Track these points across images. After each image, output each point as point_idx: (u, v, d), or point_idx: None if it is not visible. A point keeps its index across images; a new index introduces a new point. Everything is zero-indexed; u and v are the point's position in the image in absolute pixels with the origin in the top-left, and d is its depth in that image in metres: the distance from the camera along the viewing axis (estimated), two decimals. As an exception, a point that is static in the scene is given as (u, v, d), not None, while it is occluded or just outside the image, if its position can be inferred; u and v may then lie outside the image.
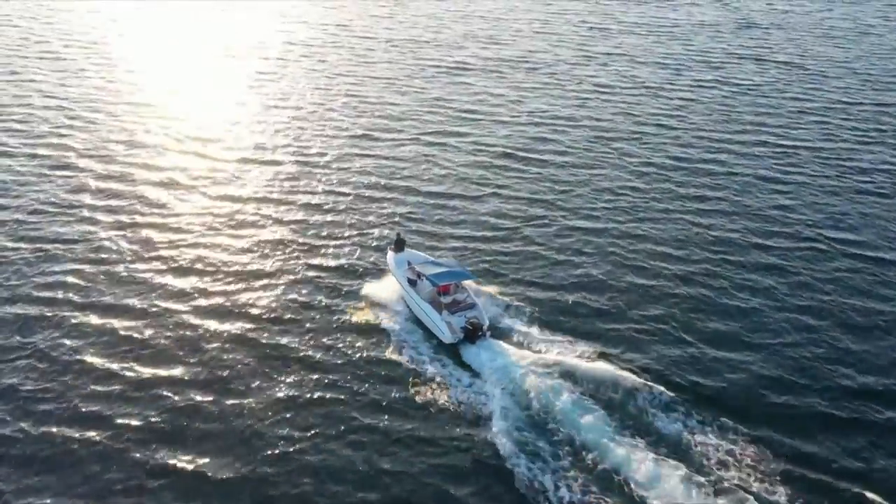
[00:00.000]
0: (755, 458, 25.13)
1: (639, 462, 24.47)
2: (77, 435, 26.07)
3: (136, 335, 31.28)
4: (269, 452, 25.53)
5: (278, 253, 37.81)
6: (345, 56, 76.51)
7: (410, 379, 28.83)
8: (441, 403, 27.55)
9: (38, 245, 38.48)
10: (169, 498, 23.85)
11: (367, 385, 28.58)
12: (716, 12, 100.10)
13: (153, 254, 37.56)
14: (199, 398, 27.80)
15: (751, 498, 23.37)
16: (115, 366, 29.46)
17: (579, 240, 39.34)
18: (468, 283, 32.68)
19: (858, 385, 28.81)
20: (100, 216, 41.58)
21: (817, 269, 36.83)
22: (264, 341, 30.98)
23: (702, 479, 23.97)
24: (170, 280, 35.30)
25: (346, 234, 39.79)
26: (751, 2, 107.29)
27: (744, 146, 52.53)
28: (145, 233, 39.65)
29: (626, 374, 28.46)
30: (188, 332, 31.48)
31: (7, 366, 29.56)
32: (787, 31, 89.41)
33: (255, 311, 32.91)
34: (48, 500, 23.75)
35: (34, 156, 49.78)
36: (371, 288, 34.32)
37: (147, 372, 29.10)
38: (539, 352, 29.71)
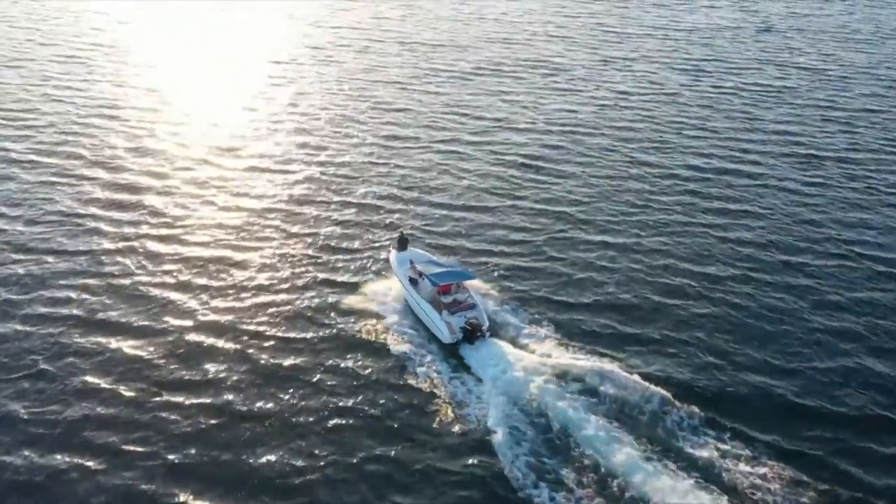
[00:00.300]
0: (761, 471, 24.44)
1: (640, 467, 24.10)
2: (77, 461, 24.98)
3: (140, 354, 30.21)
4: (269, 460, 25.15)
5: (287, 262, 36.77)
6: (356, 59, 75.40)
7: (407, 379, 28.64)
8: (437, 404, 27.36)
9: (41, 257, 37.45)
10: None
11: (362, 386, 28.45)
12: (734, 15, 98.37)
13: (159, 267, 36.50)
14: (204, 422, 26.70)
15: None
16: (118, 387, 28.35)
17: (595, 250, 38.03)
18: (470, 283, 32.50)
19: (889, 411, 27.42)
20: (105, 227, 40.50)
21: (846, 287, 35.36)
22: (268, 355, 29.91)
23: (702, 484, 23.64)
24: (176, 294, 34.20)
25: (356, 245, 38.62)
26: (770, 4, 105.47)
27: (767, 156, 51.00)
28: (151, 245, 38.58)
29: (628, 377, 27.93)
30: (194, 350, 30.38)
31: (7, 385, 28.45)
32: (807, 35, 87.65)
33: (260, 322, 32.01)
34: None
35: (40, 163, 48.84)
36: (374, 287, 34.28)
37: (151, 394, 27.99)
38: (539, 354, 29.36)
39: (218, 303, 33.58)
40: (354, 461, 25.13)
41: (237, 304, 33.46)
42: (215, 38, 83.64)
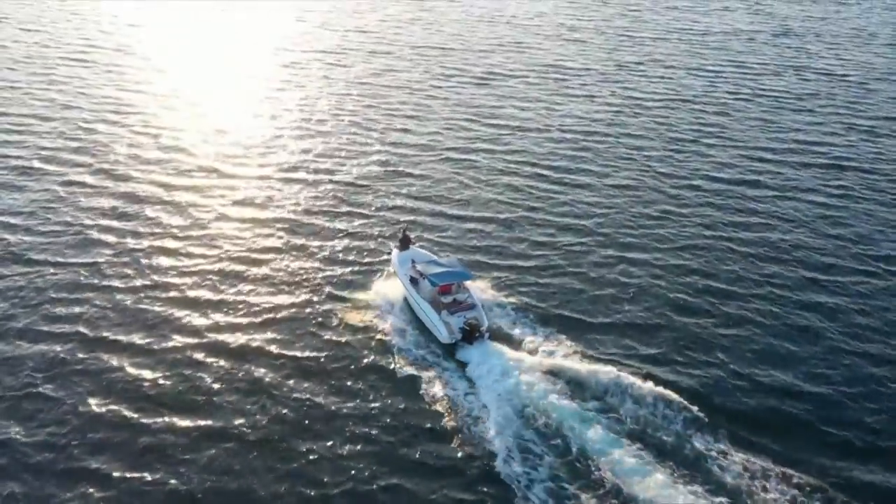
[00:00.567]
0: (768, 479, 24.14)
1: (633, 469, 24.05)
2: (77, 488, 23.97)
3: (143, 373, 29.11)
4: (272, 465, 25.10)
5: (292, 270, 35.82)
6: (366, 63, 74.34)
7: (403, 380, 28.51)
8: (432, 405, 27.26)
9: (43, 269, 36.38)
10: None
11: (359, 384, 28.45)
12: (749, 18, 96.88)
13: (163, 279, 35.45)
14: (207, 446, 25.66)
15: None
16: (120, 409, 27.27)
17: (609, 262, 36.87)
18: (471, 283, 32.38)
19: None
20: (109, 238, 39.35)
21: (873, 306, 34.01)
22: (272, 368, 28.87)
23: (703, 489, 23.59)
24: (179, 309, 33.14)
25: (364, 256, 37.57)
26: (785, 7, 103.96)
27: (787, 165, 49.67)
28: (155, 256, 37.50)
29: (630, 382, 27.52)
30: (197, 368, 29.29)
31: (5, 405, 27.41)
32: (824, 39, 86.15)
33: (264, 330, 31.18)
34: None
35: (44, 170, 47.85)
36: (377, 287, 34.36)
37: (153, 416, 26.93)
38: (539, 357, 29.08)
39: (222, 316, 32.59)
40: (348, 461, 25.03)
41: (242, 319, 32.41)
42: (223, 42, 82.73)
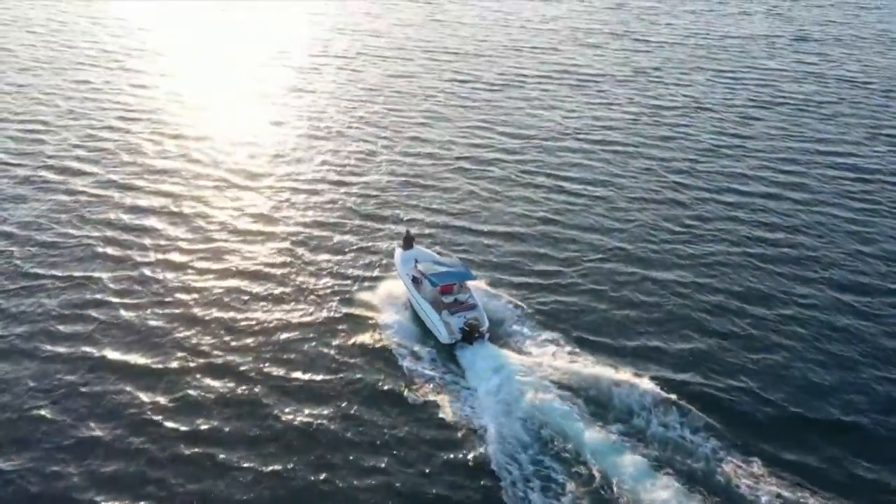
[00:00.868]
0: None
1: (634, 475, 23.65)
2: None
3: (149, 398, 28.00)
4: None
5: (299, 280, 34.96)
6: (379, 67, 73.43)
7: (401, 380, 28.55)
8: (429, 405, 27.18)
9: (46, 284, 35.43)
10: None
11: (357, 383, 28.53)
12: (768, 23, 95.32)
13: (169, 297, 34.37)
14: (216, 480, 24.73)
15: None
16: (126, 437, 26.16)
17: (630, 277, 35.74)
18: (473, 284, 32.48)
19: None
20: (114, 251, 37.88)
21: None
22: (278, 392, 27.99)
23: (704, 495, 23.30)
24: (186, 328, 31.91)
25: (374, 268, 36.64)
26: (804, 12, 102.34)
27: (811, 177, 48.30)
28: (161, 272, 36.19)
29: (631, 384, 27.41)
30: (205, 392, 28.26)
31: (4, 431, 26.42)
32: (846, 45, 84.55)
33: (270, 348, 30.24)
34: None
35: (49, 179, 46.95)
36: (380, 286, 34.44)
37: (160, 446, 25.86)
38: (538, 358, 28.97)
39: (228, 333, 31.62)
40: (341, 463, 24.99)
41: (247, 329, 31.56)
42: (233, 45, 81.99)
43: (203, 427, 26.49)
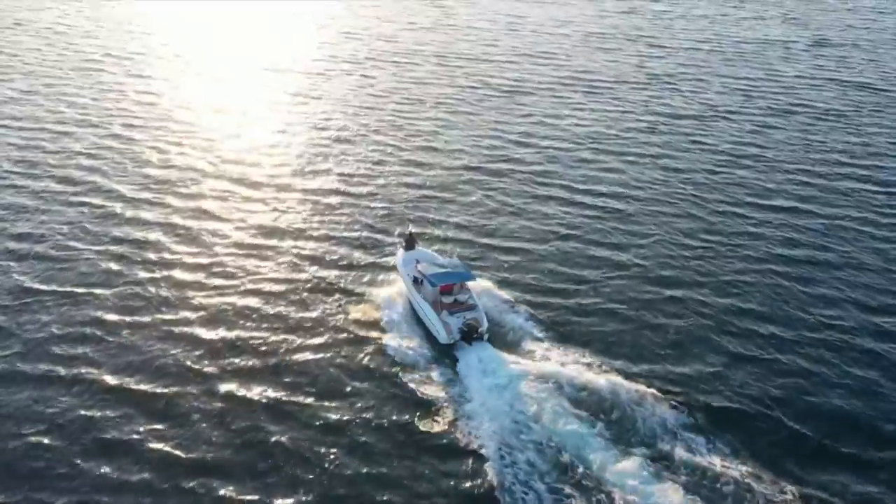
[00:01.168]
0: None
1: (632, 480, 23.46)
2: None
3: (158, 404, 27.42)
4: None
5: (315, 296, 34.07)
6: (389, 72, 72.40)
7: (399, 380, 28.48)
8: (426, 406, 27.08)
9: (58, 288, 34.80)
10: None
11: (354, 383, 28.56)
12: (784, 28, 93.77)
13: (181, 299, 33.85)
14: (225, 488, 23.67)
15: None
16: (134, 443, 25.57)
17: (651, 295, 34.42)
18: (473, 284, 32.40)
19: None
20: (127, 252, 37.90)
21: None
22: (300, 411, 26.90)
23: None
24: (198, 331, 31.56)
25: (378, 274, 35.75)
26: (820, 16, 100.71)
27: (833, 191, 46.88)
28: (174, 273, 35.93)
29: (630, 389, 27.20)
30: (218, 414, 27.30)
31: (7, 457, 25.48)
32: (863, 50, 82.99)
33: (275, 357, 29.08)
34: None
35: (62, 179, 46.52)
36: (382, 287, 34.61)
37: (169, 454, 25.10)
38: (539, 361, 28.79)
39: (233, 352, 30.61)
40: (334, 464, 24.91)
41: (253, 355, 30.45)
42: (242, 52, 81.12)
43: (205, 456, 25.40)
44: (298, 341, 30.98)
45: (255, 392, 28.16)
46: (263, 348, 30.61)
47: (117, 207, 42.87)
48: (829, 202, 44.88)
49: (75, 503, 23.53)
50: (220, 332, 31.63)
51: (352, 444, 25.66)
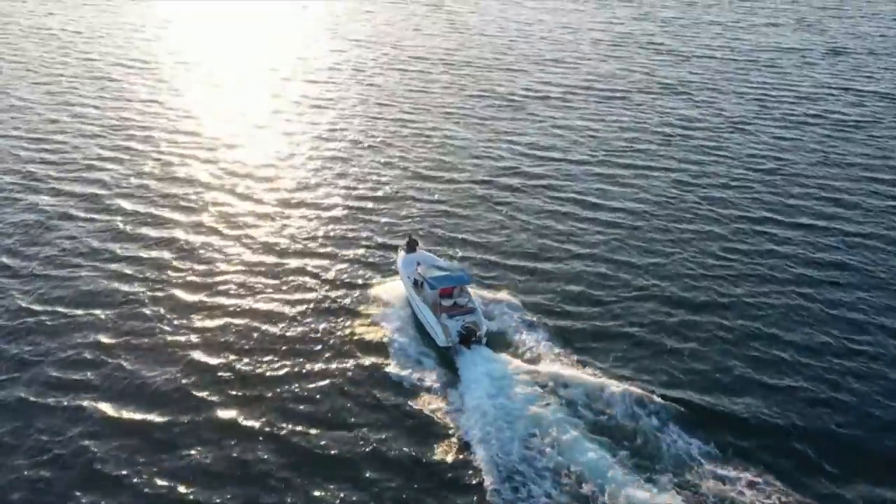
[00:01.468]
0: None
1: (629, 486, 23.29)
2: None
3: (157, 433, 26.41)
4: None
5: (319, 314, 32.92)
6: (398, 80, 71.37)
7: (396, 381, 28.73)
8: (418, 407, 27.41)
9: (55, 308, 33.88)
10: None
11: (351, 385, 28.83)
12: (798, 35, 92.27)
13: (182, 319, 32.78)
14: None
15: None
16: (132, 474, 24.54)
17: (665, 309, 33.23)
18: (474, 288, 32.83)
19: None
20: (128, 269, 36.95)
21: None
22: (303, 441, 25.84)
23: None
24: (199, 354, 30.50)
25: (380, 277, 34.72)
26: (836, 24, 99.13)
27: (854, 198, 45.72)
28: (176, 292, 34.90)
29: (632, 396, 27.07)
30: (223, 434, 26.44)
31: (6, 467, 24.59)
32: (881, 58, 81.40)
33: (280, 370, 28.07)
34: None
35: (62, 192, 45.65)
36: (382, 287, 34.87)
37: (167, 487, 24.08)
38: (539, 365, 28.73)
39: (245, 367, 29.78)
40: (324, 467, 25.09)
41: (269, 372, 29.46)
42: (251, 56, 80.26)
43: (204, 488, 24.34)
44: (301, 359, 30.36)
45: (256, 413, 27.37)
46: (265, 366, 29.84)
47: (119, 223, 41.93)
48: (850, 218, 43.51)
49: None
50: (222, 354, 30.62)
51: (341, 442, 25.95)
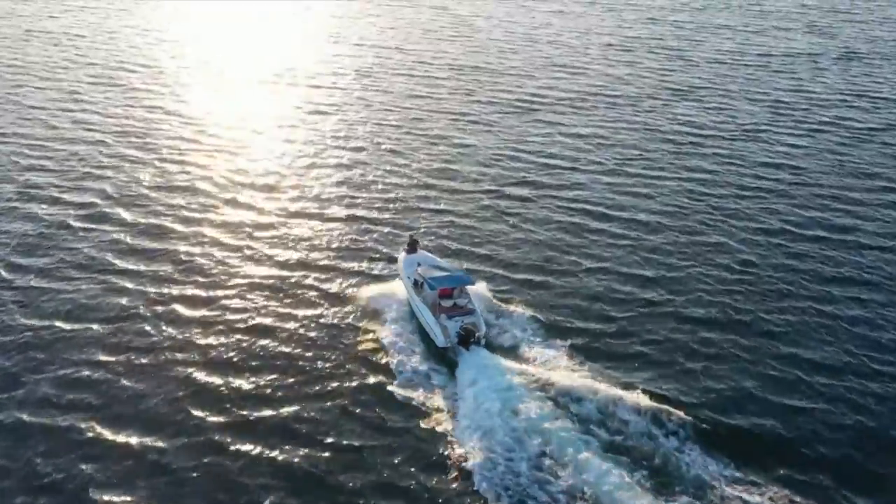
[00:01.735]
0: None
1: (615, 483, 23.12)
2: None
3: (156, 458, 25.51)
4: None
5: (321, 331, 32.06)
6: (405, 85, 70.36)
7: (392, 381, 28.77)
8: (414, 407, 27.39)
9: (52, 322, 33.00)
10: None
11: (348, 385, 28.93)
12: (810, 40, 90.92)
13: (184, 335, 31.89)
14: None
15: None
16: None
17: (681, 323, 32.16)
18: (474, 289, 32.70)
19: None
20: (128, 284, 36.02)
21: None
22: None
23: None
24: (199, 375, 29.61)
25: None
26: (847, 28, 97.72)
27: (872, 209, 44.62)
28: (176, 306, 33.99)
29: (629, 399, 26.91)
30: (225, 457, 25.51)
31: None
32: (894, 64, 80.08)
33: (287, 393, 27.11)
34: None
35: (62, 201, 44.80)
36: (383, 287, 34.79)
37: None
38: (537, 367, 28.65)
39: (250, 382, 29.09)
40: (321, 469, 25.03)
41: (269, 388, 28.56)
42: (252, 61, 79.29)
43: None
44: (300, 374, 29.82)
45: (255, 432, 26.81)
46: (265, 382, 29.25)
47: (118, 234, 41.06)
48: (869, 230, 42.34)
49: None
50: (222, 374, 29.75)
51: (335, 444, 26.00)
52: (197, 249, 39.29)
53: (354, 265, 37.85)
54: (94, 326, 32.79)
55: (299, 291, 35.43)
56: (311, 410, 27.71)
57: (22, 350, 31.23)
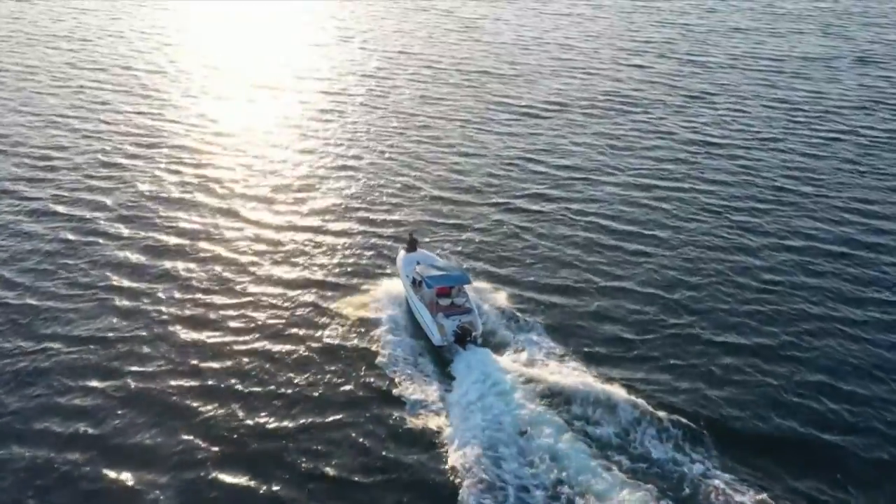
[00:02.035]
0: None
1: (608, 484, 22.97)
2: None
3: (151, 496, 24.18)
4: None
5: (322, 350, 30.62)
6: (409, 90, 69.07)
7: (390, 381, 28.75)
8: (409, 406, 27.37)
9: (48, 344, 31.77)
10: None
11: (344, 384, 28.98)
12: (824, 43, 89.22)
13: (184, 360, 30.60)
14: None
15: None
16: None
17: (697, 344, 30.75)
18: (472, 288, 32.80)
19: None
20: (125, 302, 34.75)
21: None
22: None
23: None
24: (199, 401, 28.32)
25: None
26: (863, 31, 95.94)
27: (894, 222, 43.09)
28: (176, 329, 32.73)
29: (633, 401, 26.64)
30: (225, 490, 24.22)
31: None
32: (913, 68, 78.41)
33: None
34: None
35: (59, 214, 43.57)
36: (383, 288, 34.73)
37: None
38: (536, 368, 28.51)
39: (252, 407, 27.88)
40: (310, 465, 25.08)
41: (275, 418, 27.24)
42: (258, 65, 78.16)
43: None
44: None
45: (253, 446, 25.85)
46: (264, 392, 28.36)
47: (125, 235, 40.45)
48: (894, 247, 40.86)
49: None
50: (223, 395, 28.61)
51: (330, 442, 25.99)
52: (195, 265, 37.98)
53: (356, 280, 36.59)
54: (90, 347, 31.53)
55: (300, 305, 34.37)
56: (310, 417, 27.46)
57: (24, 356, 30.64)
